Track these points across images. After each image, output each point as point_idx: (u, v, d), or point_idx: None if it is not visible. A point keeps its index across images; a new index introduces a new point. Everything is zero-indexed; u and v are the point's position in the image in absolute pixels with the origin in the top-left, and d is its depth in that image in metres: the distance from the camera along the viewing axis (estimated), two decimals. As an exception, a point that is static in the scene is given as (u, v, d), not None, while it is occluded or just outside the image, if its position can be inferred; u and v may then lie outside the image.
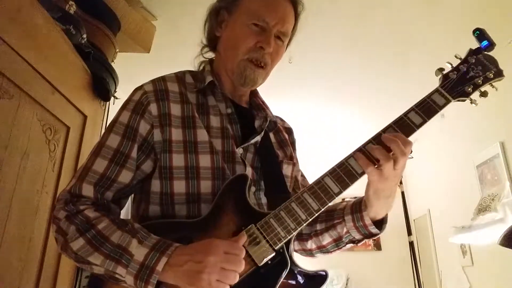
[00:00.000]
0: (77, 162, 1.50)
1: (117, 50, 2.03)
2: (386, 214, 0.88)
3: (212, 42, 1.00)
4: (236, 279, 0.68)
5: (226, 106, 0.92)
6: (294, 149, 1.07)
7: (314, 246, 0.95)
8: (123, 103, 0.88)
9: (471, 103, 0.90)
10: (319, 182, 0.80)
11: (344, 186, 0.79)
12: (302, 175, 1.08)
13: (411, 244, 2.43)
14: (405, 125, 0.82)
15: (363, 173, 0.79)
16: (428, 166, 3.81)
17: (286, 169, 0.96)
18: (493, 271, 2.64)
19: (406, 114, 0.84)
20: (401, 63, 2.76)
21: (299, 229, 0.77)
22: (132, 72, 2.77)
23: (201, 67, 0.99)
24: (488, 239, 2.30)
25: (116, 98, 1.88)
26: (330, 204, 0.79)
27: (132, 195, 0.90)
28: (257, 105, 1.01)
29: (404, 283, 3.94)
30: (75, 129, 1.50)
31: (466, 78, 0.89)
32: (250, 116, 0.97)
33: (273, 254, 0.74)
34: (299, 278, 0.76)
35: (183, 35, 2.42)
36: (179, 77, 0.93)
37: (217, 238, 0.74)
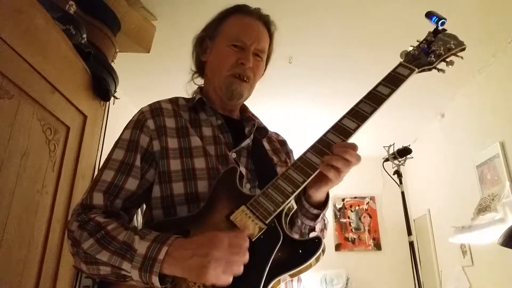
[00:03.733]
0: (77, 162, 1.50)
1: (117, 50, 2.03)
2: (327, 194, 0.92)
3: (200, 67, 1.12)
4: (241, 269, 0.70)
5: (217, 119, 1.01)
6: (289, 158, 1.12)
7: None
8: (125, 125, 0.98)
9: (438, 71, 0.98)
10: (302, 157, 0.85)
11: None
12: None
13: (411, 244, 2.42)
14: (375, 97, 0.89)
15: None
16: (428, 166, 3.81)
17: (280, 172, 1.00)
18: (493, 271, 2.65)
19: (375, 88, 0.91)
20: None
21: (287, 201, 0.80)
22: (132, 72, 2.78)
23: (193, 95, 1.10)
24: (488, 239, 2.30)
25: (116, 98, 1.88)
26: (313, 175, 0.82)
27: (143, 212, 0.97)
28: (247, 117, 1.10)
29: (404, 283, 3.94)
30: (75, 129, 1.50)
31: (428, 52, 0.98)
32: (241, 126, 1.06)
33: (265, 228, 0.77)
34: (294, 247, 0.77)
35: (183, 35, 2.42)
36: (172, 100, 1.05)
37: (212, 224, 0.79)
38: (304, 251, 0.76)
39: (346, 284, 4.14)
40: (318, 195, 0.89)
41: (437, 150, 3.64)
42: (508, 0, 2.12)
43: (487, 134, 2.73)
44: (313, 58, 2.70)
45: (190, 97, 1.09)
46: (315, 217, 0.92)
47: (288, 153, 1.14)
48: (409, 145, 2.65)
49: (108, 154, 0.93)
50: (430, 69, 0.97)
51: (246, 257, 0.71)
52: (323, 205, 0.92)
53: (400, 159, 2.60)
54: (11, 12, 1.10)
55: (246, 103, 1.13)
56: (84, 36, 1.58)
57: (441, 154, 3.54)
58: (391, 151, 2.59)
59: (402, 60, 0.97)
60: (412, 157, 2.62)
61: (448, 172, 3.37)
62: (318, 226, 0.95)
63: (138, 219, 2.01)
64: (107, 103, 1.81)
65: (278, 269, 0.74)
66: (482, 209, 2.47)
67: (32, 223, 1.24)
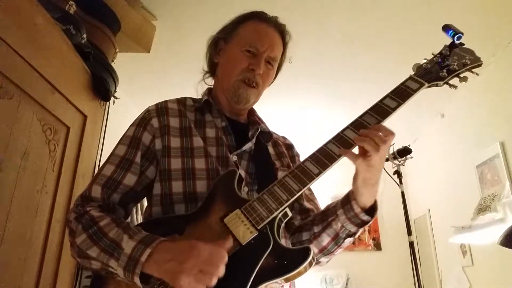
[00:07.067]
0: (77, 162, 1.50)
1: (117, 50, 2.03)
2: (375, 201, 0.91)
3: (212, 68, 1.13)
4: (214, 282, 0.70)
5: (221, 120, 1.02)
6: (294, 162, 1.11)
7: (316, 250, 0.97)
8: (132, 122, 1.00)
9: (450, 87, 0.95)
10: (300, 166, 0.85)
11: (323, 166, 0.83)
12: (309, 188, 1.09)
13: (411, 244, 2.42)
14: (381, 110, 0.87)
15: (341, 154, 0.83)
16: (428, 166, 3.81)
17: (281, 175, 1.00)
18: (493, 271, 2.65)
19: (381, 100, 0.89)
20: (402, 65, 2.76)
21: (281, 209, 0.80)
22: (132, 72, 2.78)
23: (202, 96, 1.11)
24: (488, 239, 2.30)
25: (116, 98, 1.88)
26: (310, 184, 0.82)
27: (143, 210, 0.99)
28: (253, 121, 1.10)
29: (404, 283, 3.94)
30: (75, 129, 1.50)
31: (441, 66, 0.95)
32: (246, 130, 1.06)
33: (256, 233, 0.78)
34: (282, 256, 0.78)
35: (183, 35, 2.42)
36: (180, 100, 1.06)
37: (206, 225, 0.81)
38: (290, 261, 0.76)
39: (346, 284, 4.14)
40: (362, 191, 0.87)
41: (437, 150, 3.64)
42: (508, 0, 2.12)
43: (487, 134, 2.73)
44: (313, 59, 2.70)
45: (199, 97, 1.10)
46: (362, 224, 0.91)
47: (294, 157, 1.14)
48: (409, 145, 2.65)
49: (112, 149, 0.96)
50: (441, 85, 0.94)
51: (220, 271, 0.71)
52: (371, 212, 0.90)
53: (400, 159, 2.60)
54: (11, 12, 1.10)
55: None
56: (84, 36, 1.58)
57: (441, 154, 3.53)
58: (391, 151, 2.59)
59: (413, 73, 0.95)
60: (412, 157, 2.62)
61: (448, 172, 3.37)
62: (358, 234, 0.94)
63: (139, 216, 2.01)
64: (107, 103, 1.81)
65: (265, 276, 0.75)
66: (482, 209, 2.47)
67: (32, 223, 1.24)
